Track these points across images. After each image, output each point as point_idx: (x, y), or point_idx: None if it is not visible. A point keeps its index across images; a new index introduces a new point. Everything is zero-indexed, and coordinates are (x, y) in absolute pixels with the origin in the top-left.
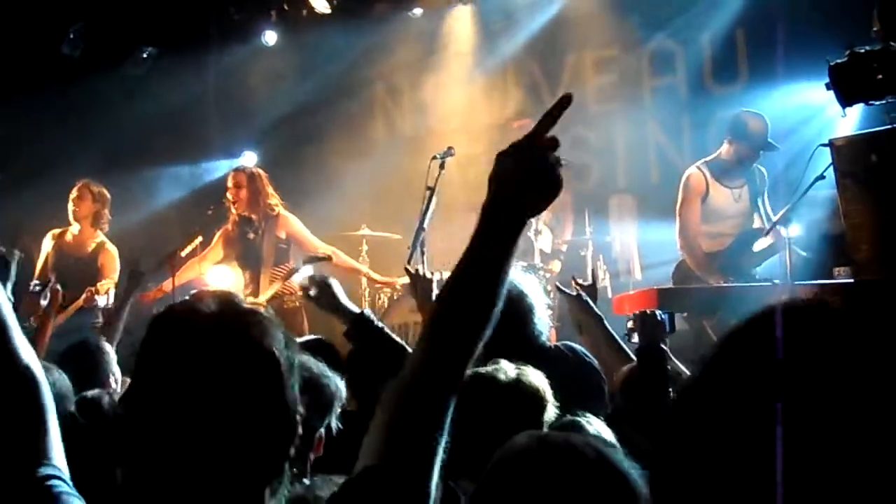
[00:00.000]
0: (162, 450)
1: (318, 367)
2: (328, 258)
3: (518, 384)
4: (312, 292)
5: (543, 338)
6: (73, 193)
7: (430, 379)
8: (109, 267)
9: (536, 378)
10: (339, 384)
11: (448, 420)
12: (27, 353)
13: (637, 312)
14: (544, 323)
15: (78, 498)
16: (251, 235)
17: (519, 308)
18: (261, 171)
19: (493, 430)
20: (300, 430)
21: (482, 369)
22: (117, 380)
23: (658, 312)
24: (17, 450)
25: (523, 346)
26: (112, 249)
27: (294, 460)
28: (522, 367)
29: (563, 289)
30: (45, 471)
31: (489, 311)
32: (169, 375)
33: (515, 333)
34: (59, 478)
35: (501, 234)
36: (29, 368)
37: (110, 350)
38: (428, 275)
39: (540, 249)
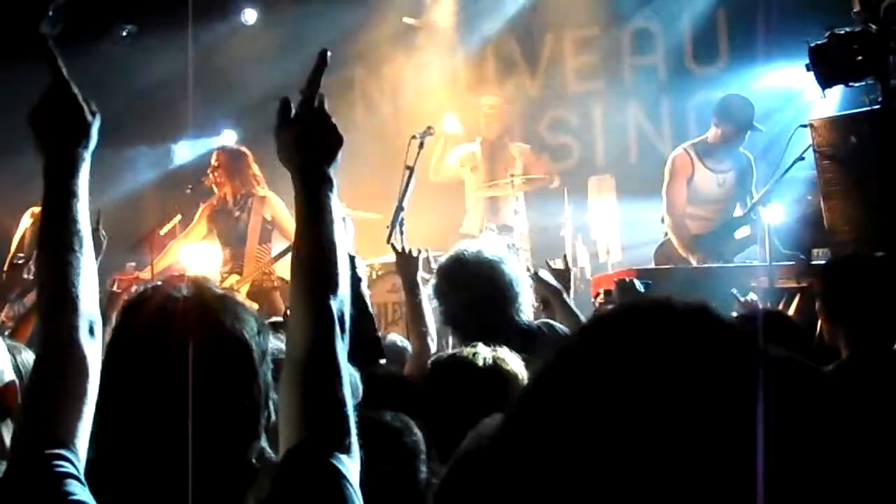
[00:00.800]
0: (132, 435)
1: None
2: None
3: (495, 368)
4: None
5: (524, 316)
6: None
7: (314, 352)
8: None
9: (514, 362)
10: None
11: (346, 379)
12: (85, 331)
13: (616, 280)
14: (526, 301)
15: (81, 484)
16: (237, 213)
17: (498, 287)
18: (246, 151)
19: (470, 414)
20: (273, 416)
21: (460, 352)
22: None
23: (637, 281)
24: (39, 428)
25: (504, 324)
26: None
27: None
28: (500, 352)
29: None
30: (56, 451)
31: (336, 269)
32: (139, 362)
33: (496, 312)
34: (68, 460)
35: (309, 191)
36: (85, 359)
37: None
38: (414, 252)
39: (520, 232)
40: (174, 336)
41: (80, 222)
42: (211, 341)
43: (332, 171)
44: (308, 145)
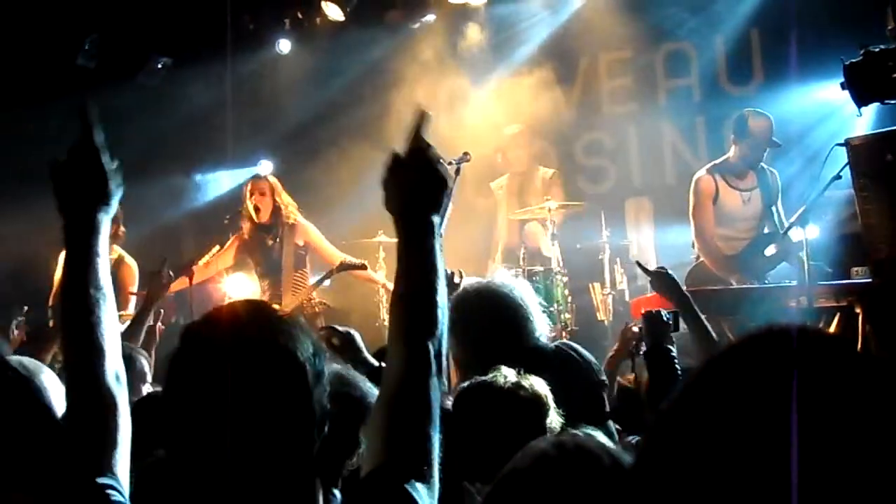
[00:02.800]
0: (193, 454)
1: (365, 382)
2: (363, 266)
3: (518, 390)
4: (335, 342)
5: (539, 338)
6: None
7: (405, 388)
8: (129, 280)
9: (537, 384)
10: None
11: (436, 416)
12: (112, 377)
13: (643, 313)
14: (541, 324)
15: None
16: (270, 242)
17: (507, 312)
18: (276, 180)
19: (496, 436)
20: (327, 438)
21: (483, 377)
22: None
23: (664, 312)
24: (85, 459)
25: (518, 348)
26: (131, 263)
27: (330, 468)
28: (524, 374)
29: (645, 267)
30: (105, 480)
31: (435, 311)
32: (198, 383)
33: (509, 337)
34: (116, 489)
35: (414, 236)
36: (115, 404)
37: (142, 360)
38: (456, 279)
39: (556, 257)
40: (231, 356)
41: (102, 278)
42: (266, 361)
43: (439, 218)
44: (410, 190)
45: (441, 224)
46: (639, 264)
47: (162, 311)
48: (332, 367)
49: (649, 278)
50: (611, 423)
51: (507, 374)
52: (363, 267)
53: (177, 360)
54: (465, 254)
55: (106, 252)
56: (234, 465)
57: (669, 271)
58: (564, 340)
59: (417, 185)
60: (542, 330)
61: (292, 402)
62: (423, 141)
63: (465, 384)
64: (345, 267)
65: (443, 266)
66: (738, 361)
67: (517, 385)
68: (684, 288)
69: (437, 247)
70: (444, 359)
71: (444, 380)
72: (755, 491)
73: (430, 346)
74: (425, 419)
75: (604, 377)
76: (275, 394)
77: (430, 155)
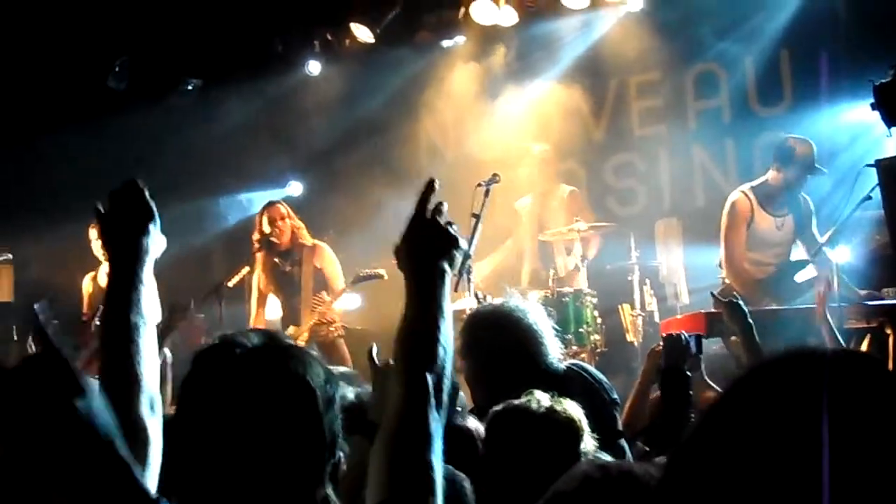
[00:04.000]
0: (202, 479)
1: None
2: (381, 276)
3: (552, 414)
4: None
5: (552, 360)
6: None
7: (405, 422)
8: None
9: (571, 407)
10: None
11: (438, 448)
12: (146, 406)
13: (663, 336)
14: (553, 347)
15: None
16: (288, 267)
17: (519, 334)
18: (286, 205)
19: (531, 460)
20: (342, 465)
21: (517, 401)
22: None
23: (684, 335)
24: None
25: (530, 370)
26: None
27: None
28: (558, 398)
29: (718, 297)
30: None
31: (436, 350)
32: (209, 407)
33: (521, 359)
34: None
35: (422, 276)
36: (146, 431)
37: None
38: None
39: (585, 277)
40: (242, 382)
41: (144, 306)
42: (277, 387)
43: (449, 266)
44: (420, 248)
45: (466, 257)
46: (713, 294)
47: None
48: (357, 390)
49: (718, 307)
50: (622, 441)
51: (540, 399)
52: (380, 276)
53: (188, 386)
54: (495, 276)
55: (151, 280)
56: (244, 491)
57: (740, 301)
58: (576, 361)
59: (429, 243)
60: (555, 352)
61: (303, 428)
62: (427, 209)
63: (499, 408)
64: (363, 278)
65: (449, 305)
66: (767, 382)
67: (552, 409)
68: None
69: (445, 287)
70: (444, 393)
71: (445, 413)
72: None
73: (430, 380)
74: (426, 452)
75: (615, 396)
76: (285, 419)
77: (440, 219)
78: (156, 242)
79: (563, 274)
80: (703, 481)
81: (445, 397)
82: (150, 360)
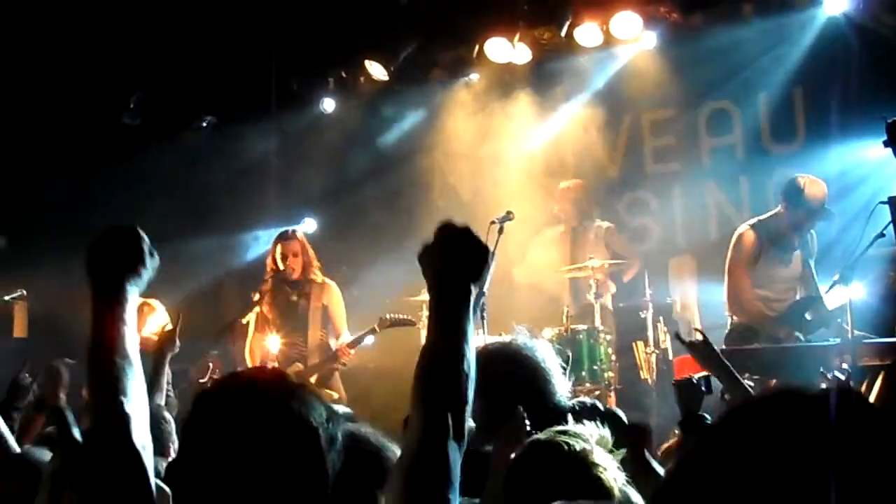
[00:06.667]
0: None
1: (377, 438)
2: (412, 323)
3: (584, 457)
4: None
5: (560, 398)
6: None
7: (423, 454)
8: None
9: (602, 455)
10: (396, 453)
11: (455, 482)
12: (138, 449)
13: (673, 383)
14: (561, 385)
15: None
16: (294, 299)
17: (526, 372)
18: (303, 237)
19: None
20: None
21: (548, 438)
22: (175, 450)
23: (694, 378)
24: None
25: (538, 408)
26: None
27: None
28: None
29: (682, 338)
30: None
31: (459, 379)
32: (211, 446)
33: (527, 397)
34: None
35: (443, 299)
36: None
37: (171, 420)
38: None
39: (602, 313)
40: (243, 421)
41: (129, 347)
42: (279, 426)
43: (478, 288)
44: (445, 257)
45: (479, 295)
46: (677, 336)
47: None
48: (346, 426)
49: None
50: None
51: (574, 439)
52: (412, 323)
53: (190, 425)
54: (509, 314)
55: (133, 322)
56: None
57: (705, 339)
58: (583, 399)
59: (455, 252)
60: (562, 391)
61: (306, 467)
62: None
63: (533, 442)
64: (391, 323)
65: (472, 330)
66: (747, 423)
67: (584, 452)
68: (721, 354)
69: (470, 309)
70: (464, 425)
71: (464, 446)
72: None
73: (450, 415)
74: (444, 488)
75: (630, 423)
76: (288, 459)
77: (469, 230)
78: (143, 278)
79: (597, 311)
80: None
81: (465, 430)
82: (139, 401)
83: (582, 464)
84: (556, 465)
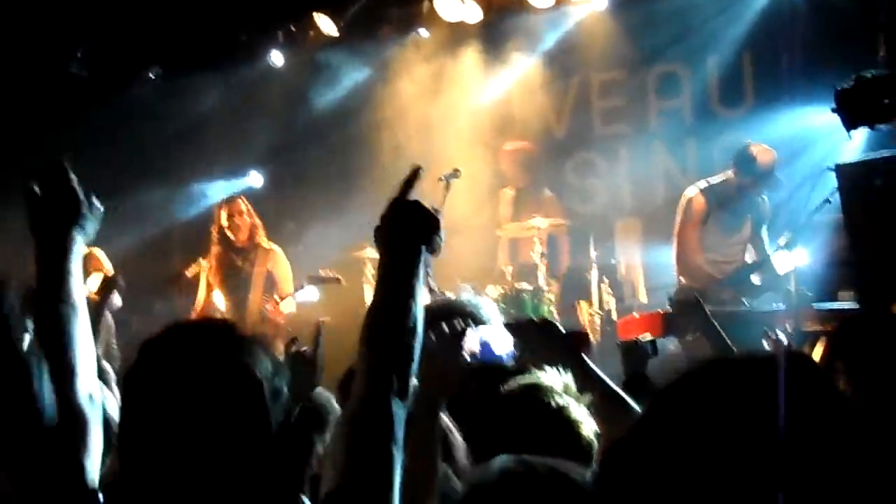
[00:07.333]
0: (149, 468)
1: (319, 393)
2: (337, 280)
3: (563, 413)
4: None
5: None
6: None
7: (370, 412)
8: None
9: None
10: (332, 402)
11: (399, 439)
12: (85, 398)
13: (619, 345)
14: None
15: None
16: (240, 263)
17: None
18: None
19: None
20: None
21: (533, 384)
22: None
23: (639, 340)
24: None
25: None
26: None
27: (291, 478)
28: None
29: (677, 298)
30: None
31: (405, 338)
32: (154, 395)
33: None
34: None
35: (395, 259)
36: (88, 422)
37: (111, 371)
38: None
39: (544, 274)
40: (189, 373)
41: (74, 294)
42: (224, 377)
43: (430, 251)
44: (401, 228)
45: (436, 253)
46: (670, 298)
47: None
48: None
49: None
50: None
51: (556, 394)
52: (338, 280)
53: (134, 376)
54: (455, 270)
55: (79, 271)
56: (191, 479)
57: (698, 300)
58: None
59: (410, 225)
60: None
61: (250, 420)
62: (411, 193)
63: (511, 387)
64: (319, 279)
65: (421, 290)
66: (714, 381)
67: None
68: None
69: (419, 270)
70: (409, 383)
71: (408, 403)
72: None
73: (395, 371)
74: (387, 441)
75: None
76: (232, 411)
77: (422, 204)
78: (86, 228)
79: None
80: (642, 474)
81: (410, 388)
82: (86, 350)
83: (561, 419)
84: (535, 420)
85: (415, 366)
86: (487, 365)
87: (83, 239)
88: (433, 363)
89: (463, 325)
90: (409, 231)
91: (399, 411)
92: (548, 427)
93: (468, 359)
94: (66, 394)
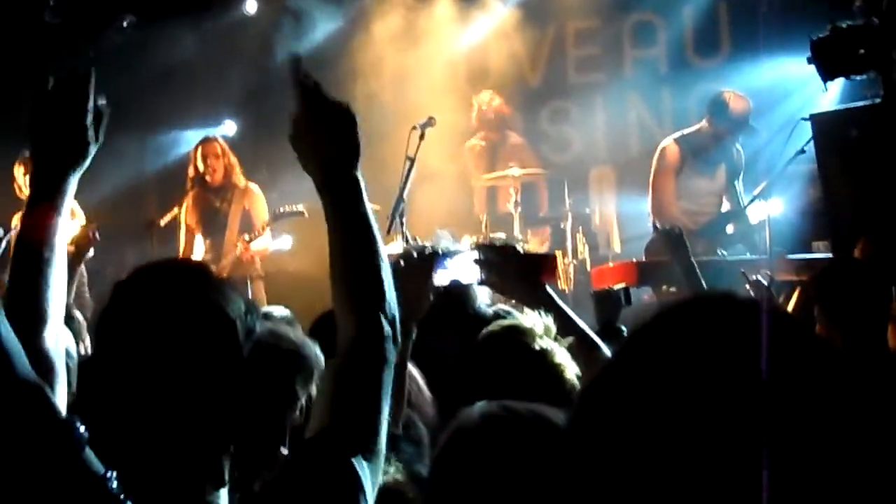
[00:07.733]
0: (119, 409)
1: (298, 337)
2: (300, 213)
3: (547, 356)
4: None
5: (479, 304)
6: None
7: (359, 356)
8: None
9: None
10: (318, 354)
11: (388, 387)
12: (52, 342)
13: (592, 294)
14: (481, 290)
15: None
16: (217, 204)
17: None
18: (223, 141)
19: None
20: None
21: (516, 326)
22: (87, 347)
23: (612, 289)
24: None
25: (458, 315)
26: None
27: (275, 427)
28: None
29: (657, 226)
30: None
31: (381, 275)
32: (127, 335)
33: (449, 304)
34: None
35: (343, 199)
36: (49, 357)
37: (80, 318)
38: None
39: (519, 223)
40: (160, 312)
41: (57, 239)
42: (196, 315)
43: (358, 168)
44: (324, 141)
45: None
46: (655, 227)
47: None
48: (264, 324)
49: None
50: None
51: (539, 336)
52: (302, 214)
53: (107, 316)
54: (429, 220)
55: (67, 212)
56: (163, 420)
57: (681, 233)
58: (502, 305)
59: (330, 134)
60: (483, 298)
61: (223, 358)
62: (310, 85)
63: (493, 328)
64: (282, 214)
65: (377, 226)
66: (690, 322)
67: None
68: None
69: (368, 207)
70: (398, 324)
71: (399, 347)
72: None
73: (383, 314)
74: (377, 388)
75: None
76: (205, 349)
77: (325, 95)
78: (83, 167)
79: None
80: (616, 415)
81: (399, 329)
82: (58, 296)
83: (543, 362)
84: (517, 364)
85: (395, 298)
86: (455, 288)
87: (78, 176)
88: (403, 287)
89: (431, 250)
90: (334, 149)
91: (391, 361)
92: (530, 370)
93: (436, 284)
94: (34, 333)
